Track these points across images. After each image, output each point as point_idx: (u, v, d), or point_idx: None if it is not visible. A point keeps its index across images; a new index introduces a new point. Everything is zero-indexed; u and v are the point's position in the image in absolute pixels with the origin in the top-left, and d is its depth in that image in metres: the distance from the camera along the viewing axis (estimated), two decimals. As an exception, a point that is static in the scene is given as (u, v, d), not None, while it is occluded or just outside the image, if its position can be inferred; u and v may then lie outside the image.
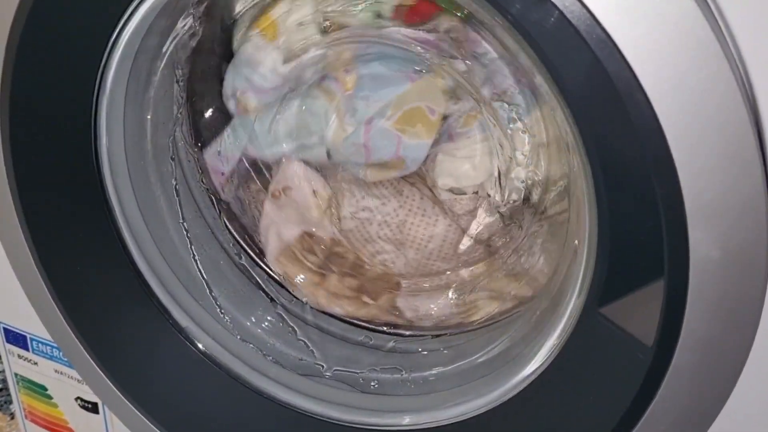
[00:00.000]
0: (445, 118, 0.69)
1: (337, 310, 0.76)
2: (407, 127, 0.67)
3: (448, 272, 0.72)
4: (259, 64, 0.69)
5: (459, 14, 0.64)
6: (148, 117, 0.69)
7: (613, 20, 0.40)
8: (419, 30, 0.66)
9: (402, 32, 0.65)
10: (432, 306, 0.73)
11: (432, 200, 0.72)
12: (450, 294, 0.73)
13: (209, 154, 0.75)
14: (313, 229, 0.75)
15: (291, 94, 0.70)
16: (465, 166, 0.68)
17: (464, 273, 0.72)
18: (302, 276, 0.76)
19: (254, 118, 0.71)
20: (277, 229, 0.76)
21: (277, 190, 0.76)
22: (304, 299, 0.76)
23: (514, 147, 0.66)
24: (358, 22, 0.66)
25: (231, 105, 0.73)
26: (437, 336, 0.76)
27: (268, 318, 0.78)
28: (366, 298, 0.76)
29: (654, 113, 0.41)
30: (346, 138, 0.68)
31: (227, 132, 0.72)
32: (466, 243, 0.71)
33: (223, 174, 0.77)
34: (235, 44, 0.72)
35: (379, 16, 0.67)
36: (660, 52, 0.41)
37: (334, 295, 0.76)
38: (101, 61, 0.60)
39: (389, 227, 0.72)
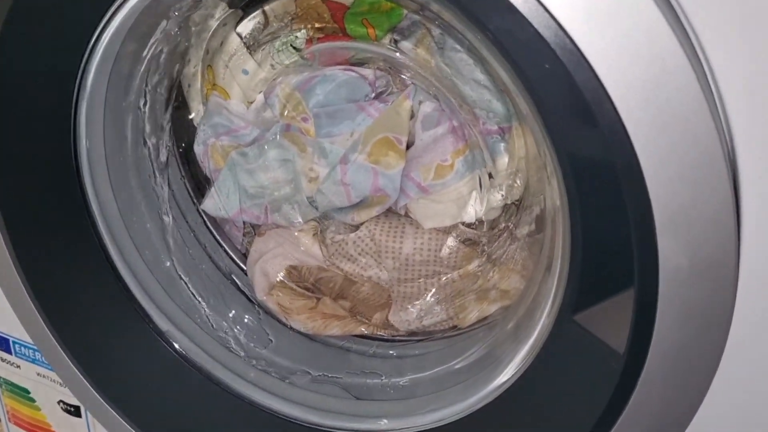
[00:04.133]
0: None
1: (335, 332, 0.77)
2: (380, 157, 0.68)
3: (432, 278, 0.72)
4: (224, 110, 0.72)
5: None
6: (129, 121, 0.69)
7: (582, 31, 0.41)
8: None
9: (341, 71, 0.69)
10: (422, 315, 0.73)
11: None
12: (432, 299, 0.73)
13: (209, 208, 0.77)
14: (299, 259, 0.76)
15: (257, 150, 0.72)
16: (450, 207, 0.69)
17: (453, 276, 0.72)
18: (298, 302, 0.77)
19: (225, 177, 0.73)
20: (262, 266, 0.77)
21: (263, 230, 0.79)
22: (301, 328, 0.77)
23: (494, 158, 0.66)
24: (279, 50, 0.70)
25: (206, 163, 0.75)
26: (417, 342, 0.76)
27: (249, 323, 0.78)
28: (360, 318, 0.76)
29: (622, 123, 0.42)
30: (326, 178, 0.69)
31: (215, 194, 0.74)
32: (449, 246, 0.71)
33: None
34: (194, 116, 0.75)
35: (294, 48, 0.70)
36: (628, 63, 0.41)
37: (330, 317, 0.76)
38: (80, 65, 0.60)
39: (363, 242, 0.73)
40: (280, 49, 0.70)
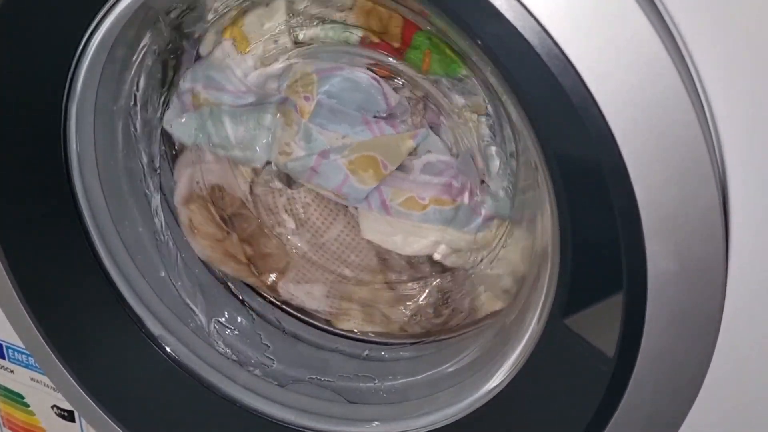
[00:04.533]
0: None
1: (227, 270, 0.76)
2: (359, 169, 0.67)
3: (333, 273, 0.72)
4: (227, 69, 0.68)
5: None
6: (119, 125, 0.69)
7: (567, 36, 0.41)
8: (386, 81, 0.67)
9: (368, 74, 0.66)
10: (308, 298, 0.73)
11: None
12: (324, 288, 0.72)
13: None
14: (229, 184, 0.74)
15: (248, 109, 0.70)
16: (398, 236, 0.68)
17: (351, 279, 0.71)
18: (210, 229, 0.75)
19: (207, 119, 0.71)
20: (192, 172, 0.75)
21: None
22: (198, 253, 0.76)
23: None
24: (326, 38, 0.67)
25: (185, 98, 0.72)
26: (410, 344, 0.76)
27: (242, 325, 0.78)
28: (254, 270, 0.76)
29: (609, 128, 0.41)
30: (298, 159, 0.68)
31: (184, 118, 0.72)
32: (365, 254, 0.71)
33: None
34: (203, 47, 0.71)
35: (347, 42, 0.67)
36: (614, 68, 0.41)
37: (229, 256, 0.75)
38: (69, 69, 0.60)
39: (294, 204, 0.72)
40: (332, 38, 0.67)
